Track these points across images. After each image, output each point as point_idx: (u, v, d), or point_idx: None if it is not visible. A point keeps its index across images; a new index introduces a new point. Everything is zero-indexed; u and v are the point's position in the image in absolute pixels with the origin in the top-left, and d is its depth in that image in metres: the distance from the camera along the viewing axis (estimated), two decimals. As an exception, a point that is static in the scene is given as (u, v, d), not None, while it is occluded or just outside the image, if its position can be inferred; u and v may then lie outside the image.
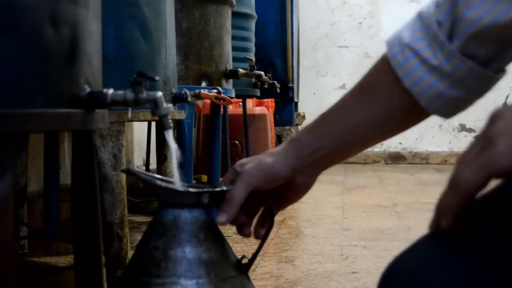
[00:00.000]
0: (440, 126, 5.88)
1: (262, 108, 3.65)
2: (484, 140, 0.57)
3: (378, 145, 5.67)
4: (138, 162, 3.71)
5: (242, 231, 0.91)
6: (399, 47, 0.83)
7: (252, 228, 0.92)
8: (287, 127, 4.31)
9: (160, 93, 0.90)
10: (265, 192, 0.89)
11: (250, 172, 0.86)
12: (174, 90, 1.57)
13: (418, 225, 2.52)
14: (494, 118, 0.57)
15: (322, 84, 5.98)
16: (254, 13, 3.07)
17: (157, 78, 0.92)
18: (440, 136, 5.97)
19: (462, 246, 0.61)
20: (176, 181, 0.89)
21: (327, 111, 0.91)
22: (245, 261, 0.90)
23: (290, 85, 4.33)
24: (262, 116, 3.60)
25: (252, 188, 0.86)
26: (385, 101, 0.87)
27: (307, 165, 0.90)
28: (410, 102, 0.84)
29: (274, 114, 4.08)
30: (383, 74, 0.86)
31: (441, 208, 0.62)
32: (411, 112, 0.87)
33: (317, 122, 0.91)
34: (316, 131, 0.90)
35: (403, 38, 0.83)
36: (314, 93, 5.92)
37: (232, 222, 0.88)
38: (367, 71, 0.89)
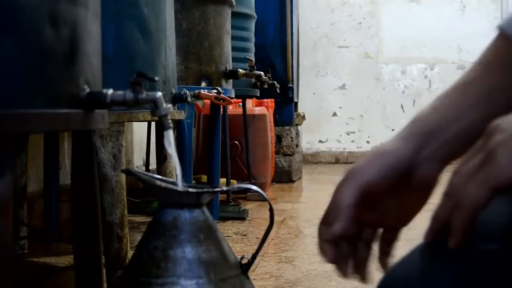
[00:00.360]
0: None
1: (262, 108, 3.65)
2: (484, 153, 0.56)
3: (378, 145, 5.63)
4: (138, 162, 3.71)
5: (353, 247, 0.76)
6: None
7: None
8: (287, 127, 4.30)
9: (159, 94, 0.90)
10: (381, 195, 0.73)
11: (360, 167, 0.73)
12: (173, 90, 1.57)
13: (418, 225, 2.51)
14: (492, 130, 0.56)
15: (322, 84, 5.97)
16: (254, 13, 3.07)
17: (156, 78, 0.93)
18: (440, 136, 5.95)
19: (458, 257, 0.61)
20: (176, 182, 0.89)
21: (448, 88, 0.78)
22: (245, 261, 0.90)
23: (290, 85, 4.32)
24: (262, 116, 3.60)
25: (365, 186, 0.71)
26: (509, 72, 0.76)
27: (431, 145, 0.73)
28: None
29: (274, 114, 4.08)
30: (504, 49, 0.77)
31: (438, 219, 0.61)
32: None
33: (438, 99, 0.77)
34: (438, 106, 0.76)
35: None
36: (314, 93, 5.92)
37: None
38: (483, 53, 0.79)
